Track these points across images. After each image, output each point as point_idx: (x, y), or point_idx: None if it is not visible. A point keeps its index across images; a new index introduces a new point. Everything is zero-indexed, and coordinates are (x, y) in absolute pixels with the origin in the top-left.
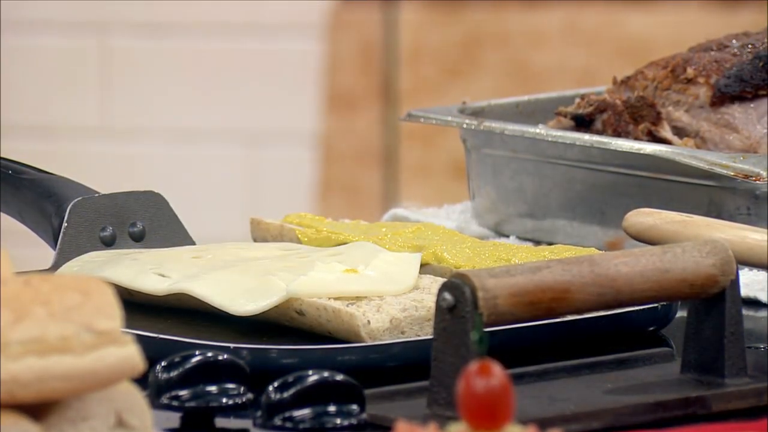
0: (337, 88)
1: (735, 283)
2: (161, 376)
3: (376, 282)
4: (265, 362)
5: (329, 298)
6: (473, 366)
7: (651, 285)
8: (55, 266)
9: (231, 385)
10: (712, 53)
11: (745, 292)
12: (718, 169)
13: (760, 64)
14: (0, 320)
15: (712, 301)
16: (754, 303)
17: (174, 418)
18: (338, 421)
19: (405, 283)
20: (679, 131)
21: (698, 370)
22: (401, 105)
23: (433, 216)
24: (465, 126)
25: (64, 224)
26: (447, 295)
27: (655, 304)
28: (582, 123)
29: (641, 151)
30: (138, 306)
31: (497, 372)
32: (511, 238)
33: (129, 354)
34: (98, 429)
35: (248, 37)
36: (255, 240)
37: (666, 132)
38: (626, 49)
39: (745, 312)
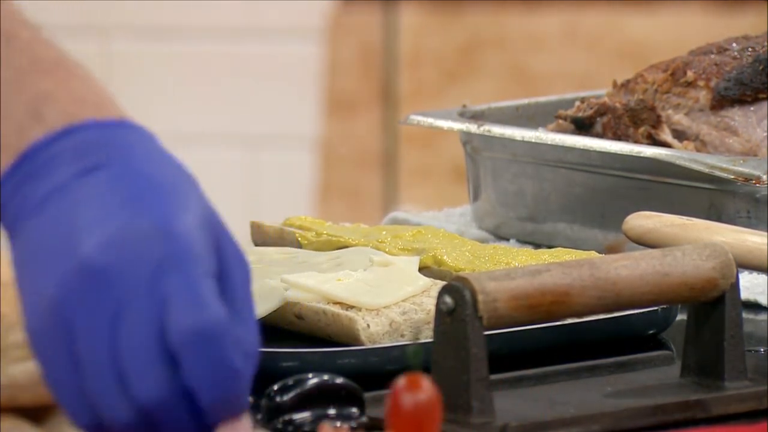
0: (338, 91)
1: (735, 286)
2: None
3: (364, 294)
4: (265, 365)
5: (328, 302)
6: (402, 380)
7: (651, 288)
8: None
9: None
10: (712, 56)
11: (745, 295)
12: (718, 173)
13: (760, 67)
14: (0, 323)
15: (712, 304)
16: (754, 306)
17: None
18: (338, 424)
19: (395, 296)
20: (679, 134)
21: (698, 373)
22: (401, 108)
23: (433, 219)
24: (465, 129)
25: None
26: (447, 299)
27: (655, 308)
28: (582, 126)
29: (641, 155)
30: None
31: (426, 387)
32: (511, 241)
33: None
34: None
35: (248, 40)
36: (255, 243)
37: (666, 135)
38: (626, 53)
39: (745, 315)
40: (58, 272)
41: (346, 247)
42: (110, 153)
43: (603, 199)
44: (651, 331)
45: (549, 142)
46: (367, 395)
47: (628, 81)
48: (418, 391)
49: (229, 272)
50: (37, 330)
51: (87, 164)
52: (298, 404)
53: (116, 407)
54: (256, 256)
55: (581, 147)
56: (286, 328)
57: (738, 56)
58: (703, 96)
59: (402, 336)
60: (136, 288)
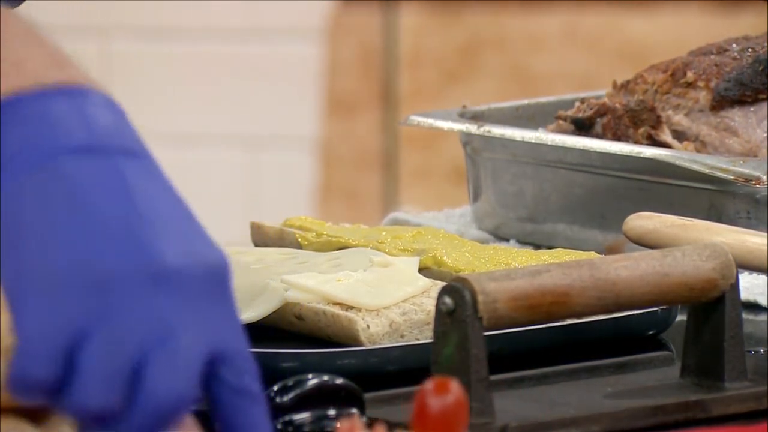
0: (338, 92)
1: (735, 286)
2: None
3: (364, 294)
4: (265, 366)
5: (327, 303)
6: (429, 382)
7: (651, 289)
8: None
9: None
10: (712, 57)
11: (744, 295)
12: (718, 173)
13: (760, 68)
14: (0, 324)
15: (712, 305)
16: (753, 307)
17: None
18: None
19: (395, 297)
20: (679, 135)
21: (698, 374)
22: (401, 109)
23: (433, 220)
24: (465, 130)
25: None
26: (447, 299)
27: (655, 308)
28: (582, 127)
29: (641, 155)
30: None
31: (454, 389)
32: (511, 242)
33: None
34: None
35: (248, 41)
36: (255, 244)
37: (666, 136)
38: (626, 53)
39: (744, 316)
40: (120, 251)
41: (346, 247)
42: (135, 140)
43: (603, 199)
44: (651, 332)
45: (549, 143)
46: (367, 396)
47: (628, 81)
48: (445, 394)
49: None
50: (59, 284)
51: (124, 145)
52: (298, 405)
53: (106, 395)
54: (256, 257)
55: (581, 147)
56: (286, 329)
57: (738, 57)
58: (703, 97)
59: (402, 336)
60: (199, 297)
